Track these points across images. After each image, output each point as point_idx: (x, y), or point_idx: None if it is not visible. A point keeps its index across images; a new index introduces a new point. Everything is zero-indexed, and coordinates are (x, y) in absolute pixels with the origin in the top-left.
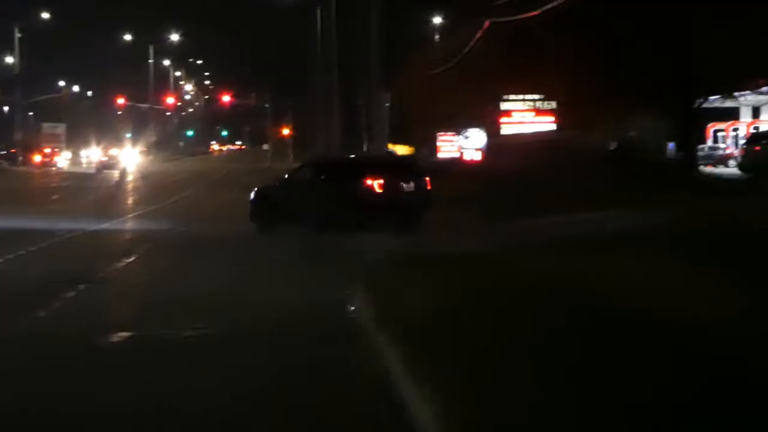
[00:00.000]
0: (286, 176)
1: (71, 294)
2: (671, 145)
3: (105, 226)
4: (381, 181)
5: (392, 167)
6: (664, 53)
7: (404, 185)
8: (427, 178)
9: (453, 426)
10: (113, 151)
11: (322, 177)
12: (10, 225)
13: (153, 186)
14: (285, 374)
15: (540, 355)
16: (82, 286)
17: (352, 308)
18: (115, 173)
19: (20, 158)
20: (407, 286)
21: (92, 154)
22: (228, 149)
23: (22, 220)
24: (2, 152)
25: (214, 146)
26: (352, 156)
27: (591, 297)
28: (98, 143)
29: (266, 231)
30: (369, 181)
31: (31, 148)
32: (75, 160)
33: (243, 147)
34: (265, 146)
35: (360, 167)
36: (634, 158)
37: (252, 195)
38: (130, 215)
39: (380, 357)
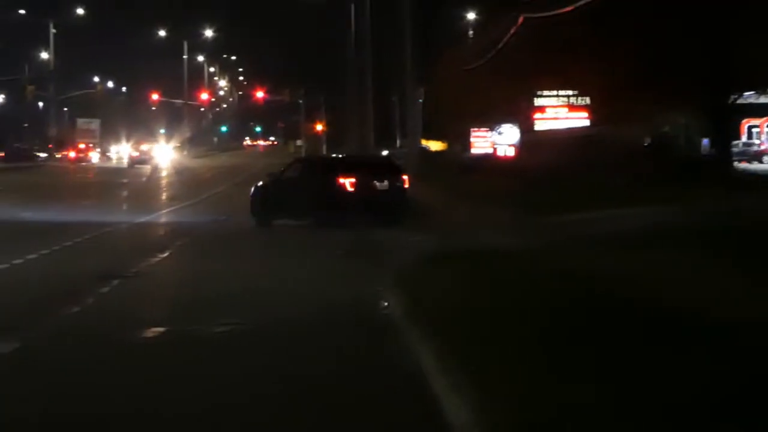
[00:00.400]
0: (279, 173)
1: (105, 289)
2: (705, 141)
3: (140, 221)
4: (353, 180)
5: (370, 166)
6: (699, 49)
7: (377, 184)
8: (404, 178)
9: (485, 423)
10: (145, 147)
11: (306, 175)
12: (47, 219)
13: (187, 181)
14: (316, 370)
15: (578, 353)
16: (116, 281)
17: (386, 304)
18: (148, 168)
19: (55, 153)
20: (440, 283)
21: (122, 150)
22: (260, 145)
23: (58, 214)
24: (34, 147)
25: (247, 141)
26: (336, 155)
27: (631, 294)
28: (130, 139)
29: (263, 225)
30: (341, 180)
31: (65, 143)
32: (106, 156)
33: (275, 143)
34: (299, 142)
35: (338, 166)
36: (668, 154)
37: (252, 190)
38: (165, 210)
39: (414, 353)
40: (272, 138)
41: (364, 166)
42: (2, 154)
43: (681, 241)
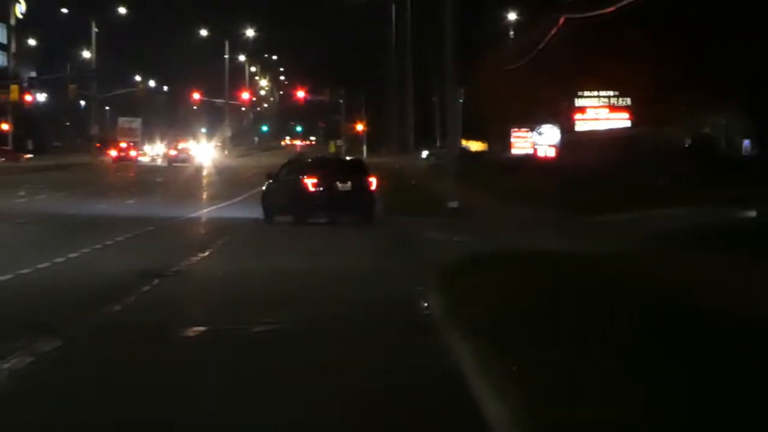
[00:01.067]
0: (275, 174)
1: (146, 288)
2: (746, 142)
3: (182, 219)
4: (314, 181)
5: (337, 168)
6: (741, 49)
7: (339, 185)
8: (370, 179)
9: (526, 426)
10: (184, 145)
11: (291, 175)
12: (92, 214)
13: (228, 180)
14: (358, 371)
15: (627, 358)
16: (157, 280)
17: (426, 304)
18: (189, 167)
19: (97, 152)
20: (479, 283)
21: (156, 149)
22: (297, 145)
23: (102, 212)
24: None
25: (286, 141)
26: (315, 156)
27: (680, 296)
28: (170, 138)
29: (267, 221)
30: (305, 180)
31: (107, 142)
32: (144, 154)
33: (313, 143)
34: (339, 142)
35: (309, 167)
36: (709, 155)
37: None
38: (206, 209)
39: (453, 354)
40: (312, 138)
41: (331, 168)
42: (114, 156)
43: (729, 242)
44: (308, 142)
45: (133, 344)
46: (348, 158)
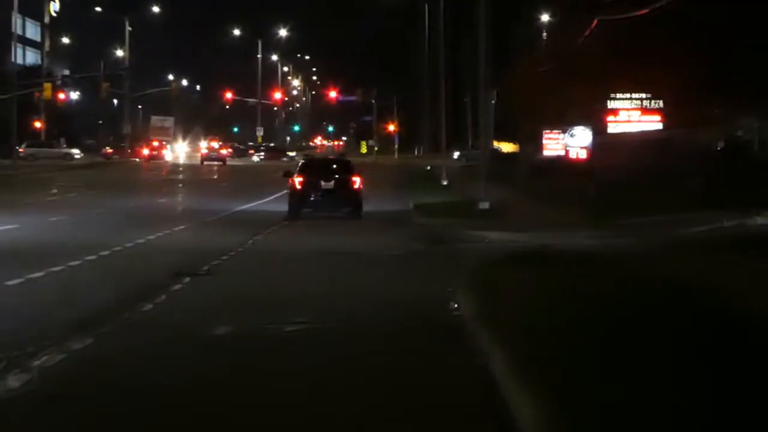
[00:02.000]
0: (292, 172)
1: (177, 287)
2: None
3: (218, 217)
4: (301, 179)
5: (324, 167)
6: None
7: (322, 183)
8: (354, 178)
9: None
10: (216, 144)
11: (295, 173)
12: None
13: (259, 180)
14: (387, 373)
15: (650, 359)
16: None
17: (455, 305)
18: (221, 166)
19: (129, 150)
20: (510, 285)
21: (179, 148)
22: (327, 145)
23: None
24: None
25: (317, 141)
26: (312, 156)
27: (715, 301)
28: (195, 136)
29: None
30: (294, 179)
31: (139, 140)
32: (176, 153)
33: (341, 144)
34: (371, 142)
35: (303, 167)
36: (742, 158)
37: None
38: (249, 204)
39: (483, 355)
40: (344, 138)
41: (319, 168)
42: (146, 155)
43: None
44: (338, 143)
45: (157, 342)
46: (337, 158)
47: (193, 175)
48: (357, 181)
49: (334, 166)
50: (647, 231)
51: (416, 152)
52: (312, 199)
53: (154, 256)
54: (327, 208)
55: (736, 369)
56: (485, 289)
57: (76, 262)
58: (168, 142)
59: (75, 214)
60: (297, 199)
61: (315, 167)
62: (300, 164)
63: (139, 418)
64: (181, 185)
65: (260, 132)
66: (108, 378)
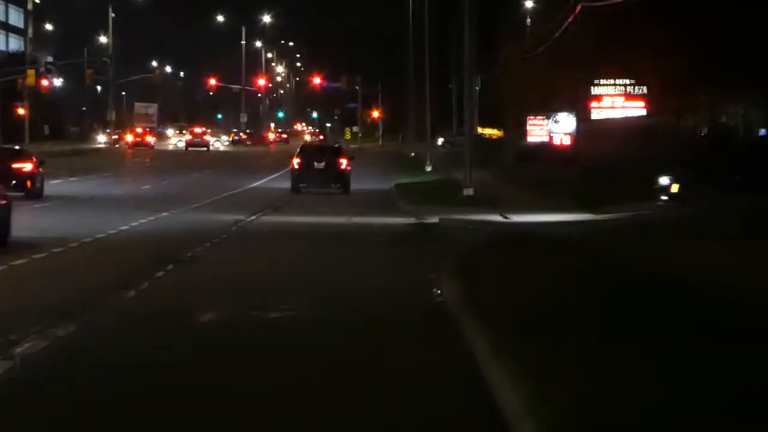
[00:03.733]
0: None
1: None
2: (762, 132)
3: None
4: (299, 160)
5: (318, 151)
6: (761, 39)
7: (315, 163)
8: (342, 160)
9: (536, 414)
10: (199, 130)
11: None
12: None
13: (247, 166)
14: (373, 355)
15: (627, 340)
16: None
17: (439, 291)
18: (204, 151)
19: (113, 137)
20: (490, 270)
21: (162, 135)
22: (305, 131)
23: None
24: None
25: (297, 128)
26: (312, 142)
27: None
28: (172, 122)
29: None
30: (293, 160)
31: (123, 127)
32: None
33: (320, 136)
34: (355, 128)
35: (301, 150)
36: (727, 144)
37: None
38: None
39: (467, 340)
40: (329, 124)
41: (314, 150)
42: (130, 141)
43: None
44: (318, 132)
45: (145, 327)
46: (329, 144)
47: (176, 161)
48: (344, 163)
49: (326, 150)
50: (619, 219)
51: (400, 138)
52: (308, 176)
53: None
54: (319, 185)
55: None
56: (468, 274)
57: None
58: (152, 128)
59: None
60: (296, 176)
61: (310, 151)
62: (298, 149)
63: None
64: (151, 173)
65: (244, 118)
66: None
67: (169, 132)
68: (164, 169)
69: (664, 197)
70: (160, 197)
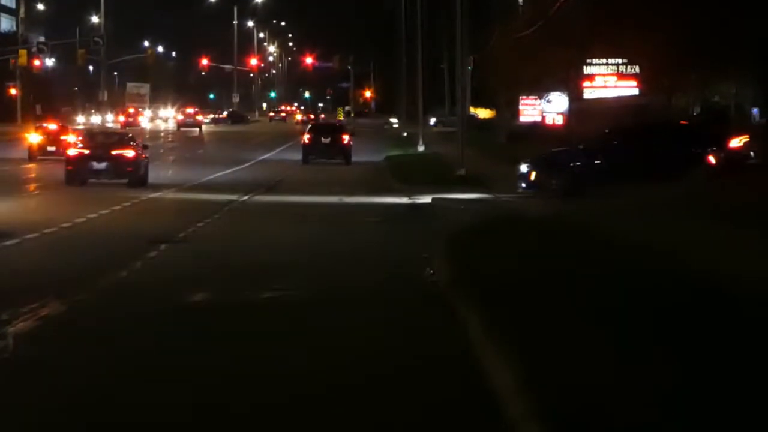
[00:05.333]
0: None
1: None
2: (755, 111)
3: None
4: (309, 136)
5: (325, 128)
6: (753, 18)
7: (322, 138)
8: (345, 136)
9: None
10: (191, 110)
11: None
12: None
13: (239, 146)
14: (367, 333)
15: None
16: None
17: (431, 271)
18: (195, 131)
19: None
20: (482, 249)
21: (155, 115)
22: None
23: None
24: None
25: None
26: (314, 121)
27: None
28: (158, 103)
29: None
30: (304, 136)
31: (115, 107)
32: (154, 119)
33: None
34: (347, 108)
35: (311, 128)
36: (721, 124)
37: None
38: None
39: (459, 318)
40: (321, 104)
41: (321, 128)
42: (122, 122)
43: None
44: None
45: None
46: (333, 122)
47: (165, 143)
48: (347, 138)
49: (332, 127)
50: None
51: (395, 118)
52: (316, 149)
53: None
54: (326, 156)
55: None
56: (460, 254)
57: None
58: (144, 108)
59: None
60: (306, 149)
61: (318, 128)
62: (308, 127)
63: None
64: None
65: (236, 98)
66: None
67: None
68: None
69: (523, 184)
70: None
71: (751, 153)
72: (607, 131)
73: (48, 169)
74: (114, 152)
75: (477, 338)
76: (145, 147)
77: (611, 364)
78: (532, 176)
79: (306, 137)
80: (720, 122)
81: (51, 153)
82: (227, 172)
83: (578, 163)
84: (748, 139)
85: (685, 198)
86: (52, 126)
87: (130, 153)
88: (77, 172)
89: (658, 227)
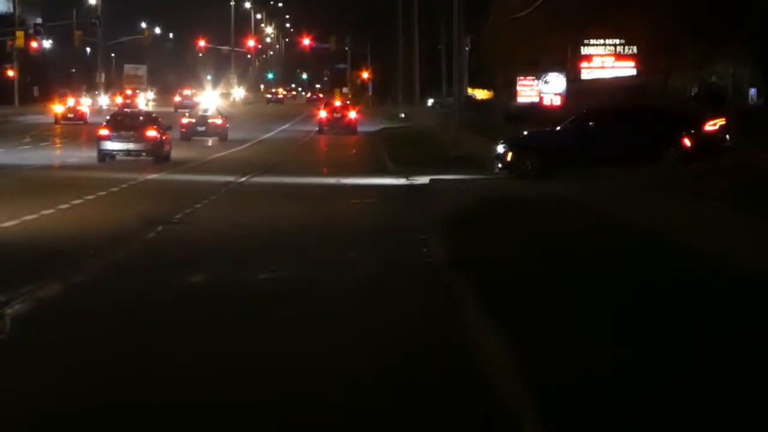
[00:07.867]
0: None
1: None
2: (752, 91)
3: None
4: (324, 113)
5: (335, 105)
6: None
7: (335, 114)
8: (351, 113)
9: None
10: (189, 92)
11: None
12: None
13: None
14: (365, 315)
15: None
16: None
17: (427, 251)
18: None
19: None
20: (478, 231)
21: (150, 96)
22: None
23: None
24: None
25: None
26: (326, 100)
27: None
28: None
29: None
30: (317, 111)
31: (113, 89)
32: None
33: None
34: (345, 89)
35: (324, 105)
36: (717, 103)
37: None
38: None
39: (454, 298)
40: (318, 86)
41: (333, 106)
42: (120, 103)
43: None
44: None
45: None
46: (343, 101)
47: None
48: (353, 115)
49: (342, 105)
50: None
51: (389, 100)
52: (328, 123)
53: None
54: (336, 129)
55: None
56: (458, 234)
57: None
58: (141, 90)
59: None
60: (320, 123)
61: (330, 106)
62: (323, 104)
63: None
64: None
65: (233, 80)
66: None
67: (149, 95)
68: None
69: (499, 165)
70: None
71: (727, 136)
72: (584, 112)
73: (69, 129)
74: (141, 131)
75: (470, 319)
76: (168, 128)
77: (610, 348)
78: (509, 157)
79: (319, 114)
80: (717, 102)
81: (70, 119)
82: (238, 149)
83: (553, 145)
84: (724, 123)
85: (659, 179)
86: (71, 100)
87: (153, 133)
88: (107, 151)
89: (639, 207)
